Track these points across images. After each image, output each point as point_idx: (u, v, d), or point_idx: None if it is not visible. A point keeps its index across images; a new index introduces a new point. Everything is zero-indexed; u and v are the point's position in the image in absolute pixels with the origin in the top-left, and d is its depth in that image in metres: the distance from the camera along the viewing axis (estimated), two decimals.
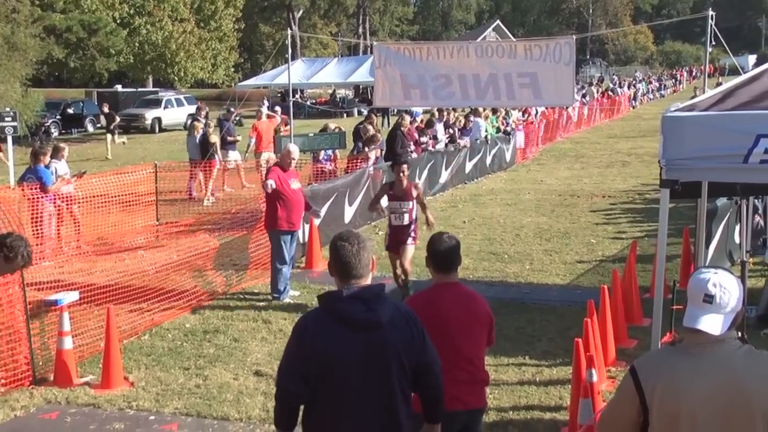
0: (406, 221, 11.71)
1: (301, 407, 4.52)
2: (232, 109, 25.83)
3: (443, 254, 5.60)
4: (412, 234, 11.79)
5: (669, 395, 3.66)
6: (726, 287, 3.70)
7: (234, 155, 22.95)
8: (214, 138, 21.91)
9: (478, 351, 5.61)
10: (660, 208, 4.87)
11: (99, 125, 48.98)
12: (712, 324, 3.68)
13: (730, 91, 5.21)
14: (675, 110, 4.91)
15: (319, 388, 4.38)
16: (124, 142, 38.78)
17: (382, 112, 38.12)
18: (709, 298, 3.70)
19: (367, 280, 4.51)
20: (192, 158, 22.10)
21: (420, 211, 11.91)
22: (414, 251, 11.93)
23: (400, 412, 4.45)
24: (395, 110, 23.84)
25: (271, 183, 11.78)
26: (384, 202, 12.17)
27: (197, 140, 21.98)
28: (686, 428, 3.62)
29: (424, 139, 22.36)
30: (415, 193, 11.75)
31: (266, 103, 51.17)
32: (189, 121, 24.15)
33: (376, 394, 4.38)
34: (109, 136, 36.07)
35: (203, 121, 22.85)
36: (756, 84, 5.43)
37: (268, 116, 24.70)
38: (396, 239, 11.79)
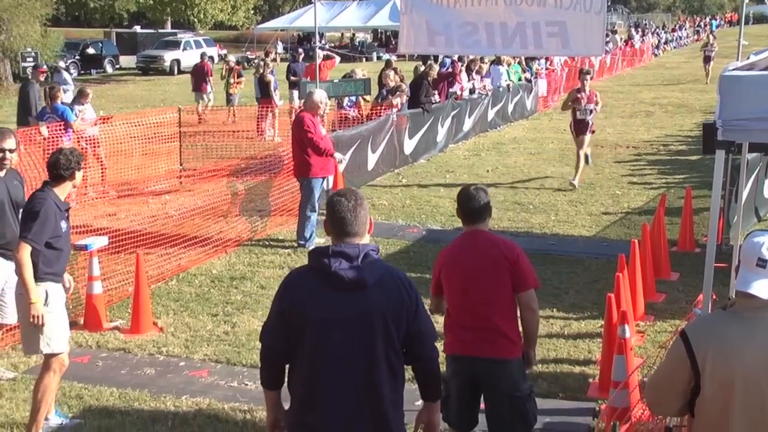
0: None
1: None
2: (300, 50, 26.58)
3: (469, 208, 5.66)
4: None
5: (721, 360, 3.63)
6: None
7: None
8: (269, 77, 22.65)
9: (492, 298, 5.51)
10: (714, 173, 4.74)
11: (118, 66, 48.89)
12: (765, 288, 3.66)
13: None
14: (733, 69, 4.80)
15: (299, 347, 4.16)
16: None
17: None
18: (762, 263, 3.68)
19: (363, 240, 4.22)
20: (257, 98, 23.32)
21: None
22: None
23: (383, 383, 4.14)
24: (441, 57, 24.16)
25: (340, 157, 11.92)
26: None
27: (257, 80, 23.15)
28: (740, 393, 3.61)
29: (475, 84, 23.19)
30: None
31: (280, 44, 50.93)
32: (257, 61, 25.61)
33: (357, 360, 4.10)
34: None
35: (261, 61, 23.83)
36: None
37: (326, 57, 24.67)
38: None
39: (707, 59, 38.57)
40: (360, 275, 4.07)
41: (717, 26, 72.54)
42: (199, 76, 26.24)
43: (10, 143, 7.36)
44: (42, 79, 19.11)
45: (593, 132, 16.80)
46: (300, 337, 4.14)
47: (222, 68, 26.81)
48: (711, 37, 43.85)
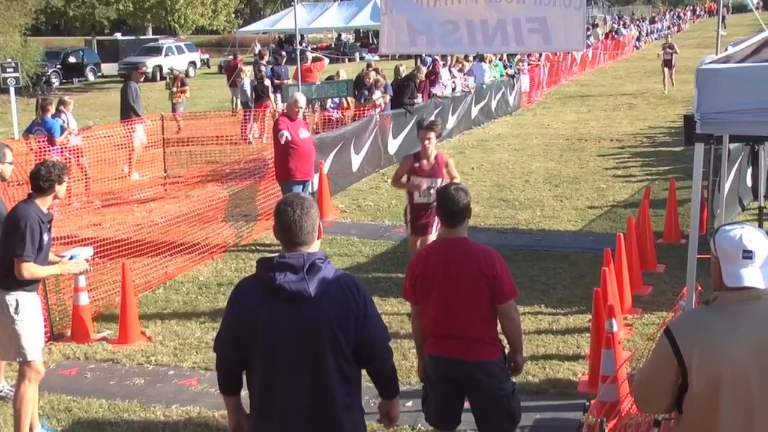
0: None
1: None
2: (284, 53, 27.04)
3: (449, 208, 5.56)
4: None
5: (708, 356, 3.61)
6: (759, 241, 3.69)
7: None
8: (267, 82, 22.82)
9: (470, 311, 5.45)
10: (694, 165, 4.76)
11: (100, 74, 48.67)
12: (757, 278, 3.64)
13: (766, 41, 5.08)
14: (710, 62, 4.80)
15: (251, 356, 4.20)
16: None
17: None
18: (748, 254, 3.66)
19: (311, 248, 4.19)
20: (243, 102, 23.80)
21: None
22: None
23: (335, 390, 4.16)
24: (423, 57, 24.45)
25: (285, 134, 11.67)
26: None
27: (246, 85, 23.44)
28: (728, 388, 3.59)
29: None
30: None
31: (258, 46, 50.91)
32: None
33: (307, 369, 4.12)
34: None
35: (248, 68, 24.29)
36: None
37: (315, 59, 24.63)
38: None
39: (667, 63, 31.07)
40: (304, 287, 4.06)
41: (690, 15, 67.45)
42: (232, 73, 27.01)
43: (10, 155, 7.46)
44: (141, 80, 20.91)
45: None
46: (251, 346, 4.17)
47: (167, 78, 26.75)
48: (669, 37, 40.24)
